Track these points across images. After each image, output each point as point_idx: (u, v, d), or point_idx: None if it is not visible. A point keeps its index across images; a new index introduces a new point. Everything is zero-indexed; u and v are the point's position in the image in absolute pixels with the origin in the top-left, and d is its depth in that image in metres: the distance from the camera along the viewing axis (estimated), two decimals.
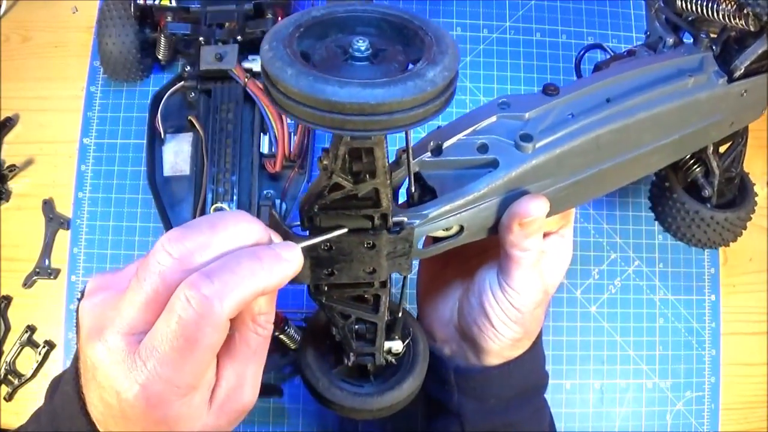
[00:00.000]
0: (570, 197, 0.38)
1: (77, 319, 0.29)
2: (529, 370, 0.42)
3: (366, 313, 0.37)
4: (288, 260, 0.29)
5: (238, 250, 0.28)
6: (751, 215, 0.57)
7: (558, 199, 0.37)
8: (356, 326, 0.38)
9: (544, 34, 0.70)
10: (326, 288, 0.35)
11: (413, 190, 0.35)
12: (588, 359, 0.64)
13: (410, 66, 0.27)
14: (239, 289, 0.27)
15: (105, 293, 0.29)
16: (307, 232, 0.32)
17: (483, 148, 0.36)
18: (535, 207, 0.35)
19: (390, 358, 0.40)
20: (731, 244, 0.59)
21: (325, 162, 0.29)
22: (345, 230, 0.31)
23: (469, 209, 0.35)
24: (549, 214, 0.37)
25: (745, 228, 0.57)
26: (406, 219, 0.33)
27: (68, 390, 0.31)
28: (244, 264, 0.27)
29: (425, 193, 0.36)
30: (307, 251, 0.31)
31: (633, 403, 0.63)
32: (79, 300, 0.30)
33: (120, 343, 0.27)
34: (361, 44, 0.26)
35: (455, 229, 0.36)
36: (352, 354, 0.39)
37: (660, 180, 0.57)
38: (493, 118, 0.37)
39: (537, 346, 0.42)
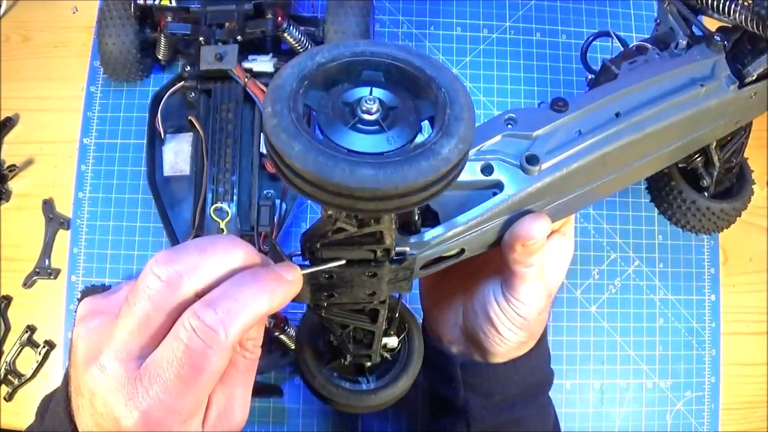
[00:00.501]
0: (572, 207, 0.38)
1: (71, 344, 0.29)
2: (535, 366, 0.42)
3: (364, 323, 0.37)
4: (290, 281, 0.29)
5: (240, 274, 0.28)
6: (747, 204, 0.57)
7: (560, 210, 0.37)
8: (353, 334, 0.38)
9: (544, 34, 0.70)
10: (325, 305, 0.35)
11: (416, 218, 0.34)
12: (588, 359, 0.64)
13: (423, 122, 0.26)
14: (243, 316, 0.27)
15: (99, 318, 0.29)
16: (308, 262, 0.32)
17: (488, 170, 0.35)
18: (538, 228, 0.34)
19: (385, 354, 0.40)
20: (725, 231, 0.59)
21: (329, 212, 0.28)
22: (343, 262, 0.31)
23: (471, 234, 0.34)
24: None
25: (740, 216, 0.57)
26: (408, 249, 0.32)
27: (59, 411, 0.30)
28: (246, 290, 0.27)
29: (427, 216, 0.35)
30: (307, 279, 0.31)
31: (633, 403, 0.63)
32: (75, 318, 0.30)
33: (118, 369, 0.27)
34: (371, 105, 0.25)
35: (456, 251, 0.35)
36: (349, 355, 0.39)
37: (662, 175, 0.57)
38: (498, 137, 0.36)
39: (542, 343, 0.42)
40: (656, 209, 0.58)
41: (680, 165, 0.55)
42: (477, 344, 0.41)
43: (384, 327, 0.38)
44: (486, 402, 0.41)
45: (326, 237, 0.29)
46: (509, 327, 0.39)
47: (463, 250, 0.35)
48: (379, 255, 0.31)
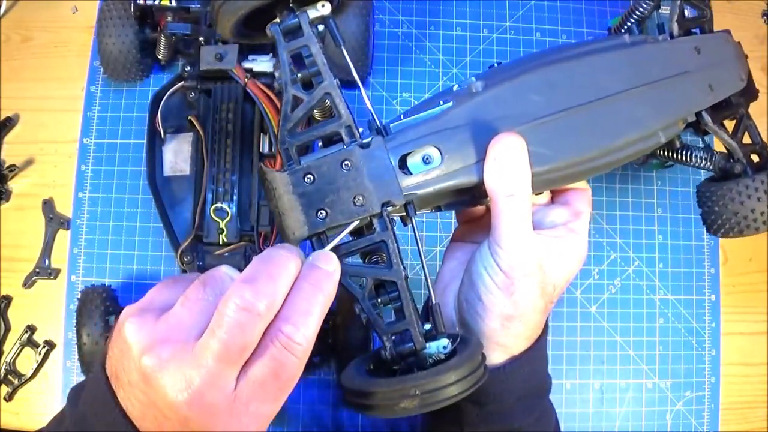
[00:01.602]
0: (558, 147, 0.38)
1: (138, 371, 0.30)
2: (531, 372, 0.40)
3: (380, 271, 0.35)
4: (334, 271, 0.33)
5: (298, 284, 0.32)
6: None
7: (545, 148, 0.37)
8: (379, 298, 0.36)
9: (544, 34, 0.70)
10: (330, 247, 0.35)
11: (380, 125, 0.37)
12: (588, 359, 0.64)
13: None
14: (313, 320, 0.31)
15: (167, 348, 0.30)
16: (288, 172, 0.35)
17: (444, 102, 0.39)
18: (506, 137, 0.36)
19: (441, 355, 0.36)
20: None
21: (276, 73, 0.33)
22: (353, 225, 0.35)
23: (439, 132, 0.36)
24: (546, 170, 0.37)
25: None
26: (375, 136, 0.36)
27: (98, 393, 0.32)
28: (312, 300, 0.32)
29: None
30: (295, 191, 0.35)
31: (633, 403, 0.64)
32: (126, 347, 0.31)
33: (221, 398, 0.30)
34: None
35: (435, 156, 0.36)
36: (386, 339, 0.36)
37: (701, 201, 0.53)
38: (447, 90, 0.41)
39: (539, 346, 0.40)
40: (726, 236, 0.52)
41: (712, 179, 0.53)
42: (467, 328, 0.40)
43: (426, 330, 0.36)
44: (479, 410, 0.40)
45: (288, 119, 0.34)
46: (491, 288, 0.37)
47: (442, 156, 0.36)
48: (346, 139, 0.35)
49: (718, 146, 0.53)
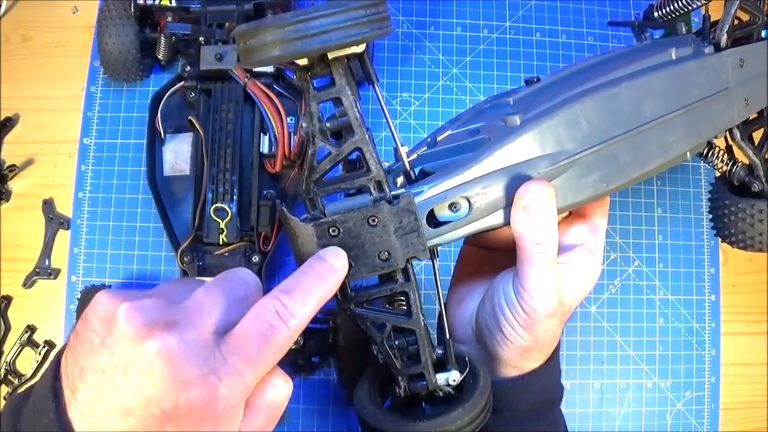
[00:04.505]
0: (583, 183, 0.37)
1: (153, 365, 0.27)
2: (546, 384, 0.41)
3: (399, 318, 0.36)
4: (339, 267, 0.33)
5: (306, 271, 0.32)
6: None
7: (571, 185, 0.37)
8: (396, 341, 0.37)
9: (544, 34, 0.70)
10: (352, 293, 0.35)
11: (409, 168, 0.36)
12: (588, 359, 0.64)
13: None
14: (313, 307, 0.31)
15: (177, 331, 0.28)
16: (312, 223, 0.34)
17: (475, 133, 0.37)
18: (535, 187, 0.35)
19: (449, 389, 0.38)
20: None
21: (303, 125, 0.31)
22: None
23: (470, 182, 0.35)
24: (567, 206, 0.36)
25: None
26: (403, 191, 0.34)
27: (46, 422, 0.28)
28: (313, 284, 0.32)
29: (425, 177, 0.36)
30: (319, 243, 0.34)
31: (633, 403, 0.64)
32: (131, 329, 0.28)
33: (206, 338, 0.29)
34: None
35: (463, 205, 0.35)
36: (401, 379, 0.37)
37: (713, 200, 0.53)
38: (482, 108, 0.39)
39: (553, 360, 0.41)
40: (730, 245, 0.52)
41: (730, 184, 0.51)
42: (484, 346, 0.40)
43: (439, 354, 0.37)
44: (496, 417, 0.40)
45: (314, 169, 0.33)
46: (512, 324, 0.37)
47: (470, 205, 0.35)
48: (374, 194, 0.33)
49: (737, 151, 0.51)
